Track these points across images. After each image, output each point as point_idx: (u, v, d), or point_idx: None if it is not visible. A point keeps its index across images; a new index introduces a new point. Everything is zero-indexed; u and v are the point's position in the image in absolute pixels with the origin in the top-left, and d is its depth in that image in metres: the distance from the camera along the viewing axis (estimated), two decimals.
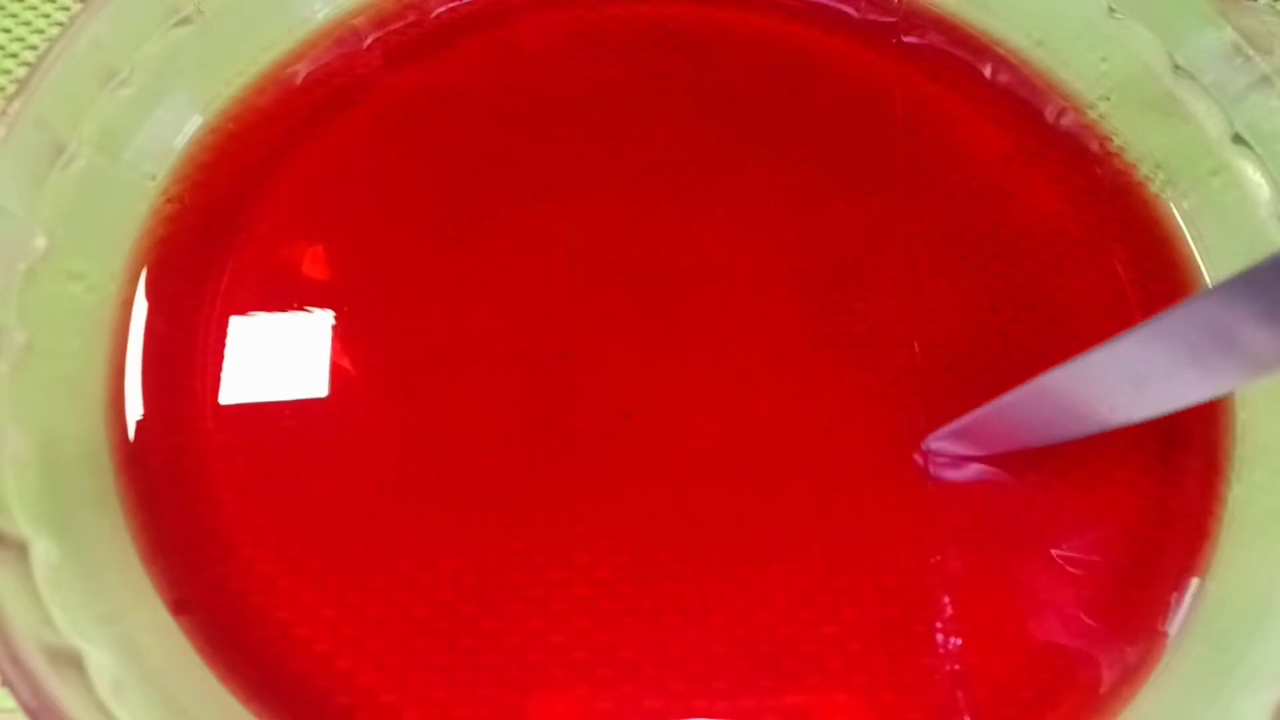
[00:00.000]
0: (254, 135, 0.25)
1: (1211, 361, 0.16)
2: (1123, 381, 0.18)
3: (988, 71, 0.27)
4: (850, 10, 0.28)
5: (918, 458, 0.22)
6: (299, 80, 0.26)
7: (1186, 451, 0.22)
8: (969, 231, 0.25)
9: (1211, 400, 0.19)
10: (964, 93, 0.27)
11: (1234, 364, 0.16)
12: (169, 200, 0.24)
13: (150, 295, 0.23)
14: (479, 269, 0.24)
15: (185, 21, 0.24)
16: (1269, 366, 0.16)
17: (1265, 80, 0.23)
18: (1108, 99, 0.26)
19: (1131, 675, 0.20)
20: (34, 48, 0.29)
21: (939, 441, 0.22)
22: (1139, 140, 0.25)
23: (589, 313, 0.23)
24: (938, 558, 0.21)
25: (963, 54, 0.27)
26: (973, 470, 0.22)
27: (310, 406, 0.22)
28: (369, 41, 0.27)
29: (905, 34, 0.27)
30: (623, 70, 0.26)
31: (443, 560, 0.21)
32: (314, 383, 0.22)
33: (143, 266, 0.23)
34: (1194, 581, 0.21)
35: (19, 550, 0.18)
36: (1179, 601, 0.21)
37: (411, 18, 0.27)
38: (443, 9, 0.27)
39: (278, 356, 0.23)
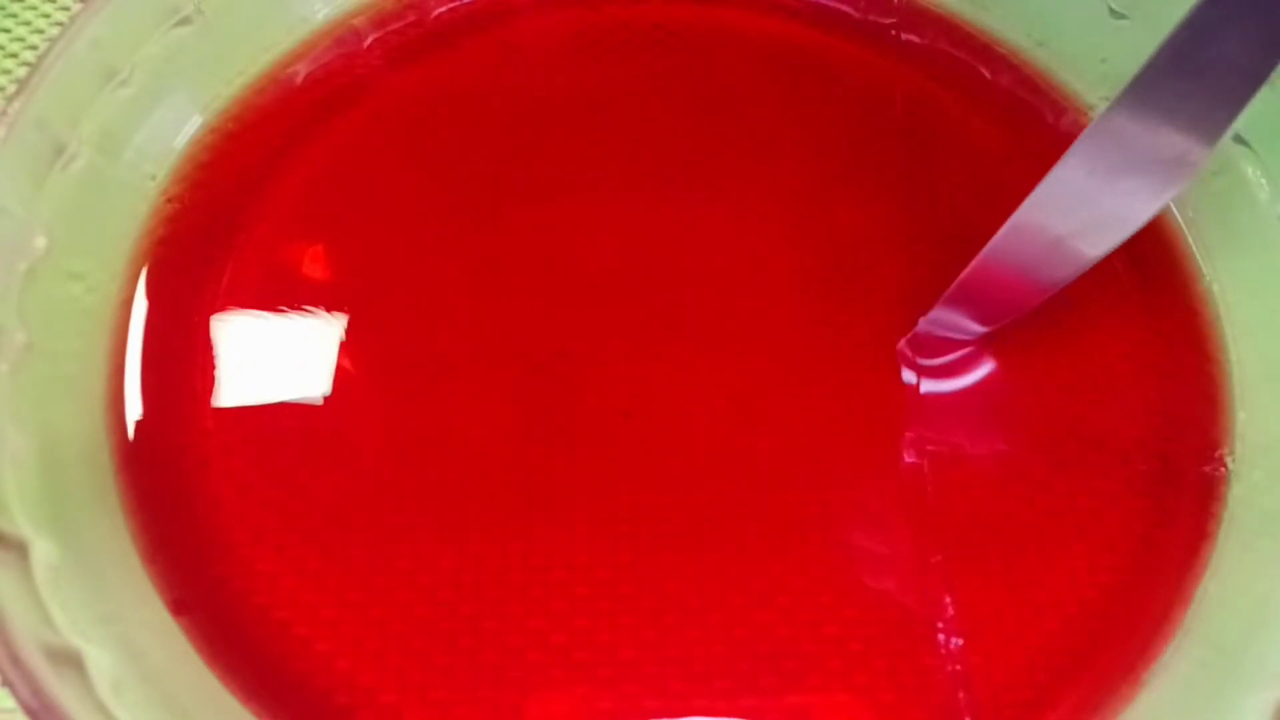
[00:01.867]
0: (254, 135, 0.25)
1: (1140, 170, 0.19)
2: (1074, 206, 0.20)
3: (988, 71, 0.27)
4: (850, 10, 0.28)
5: (904, 349, 0.22)
6: (299, 80, 0.26)
7: (1186, 451, 0.22)
8: (969, 232, 0.24)
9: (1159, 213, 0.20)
10: (964, 93, 0.27)
11: (1157, 171, 0.19)
12: (169, 200, 0.24)
13: (150, 295, 0.23)
14: (479, 269, 0.24)
15: (185, 21, 0.24)
16: (1184, 165, 0.18)
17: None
18: (1108, 99, 0.26)
19: (1131, 675, 0.20)
20: (34, 48, 0.29)
21: (935, 316, 0.22)
22: None
23: (589, 313, 0.23)
24: (938, 558, 0.21)
25: (963, 54, 0.27)
26: (959, 381, 0.22)
27: (310, 406, 0.22)
28: (369, 41, 0.27)
29: (905, 34, 0.27)
30: (623, 70, 0.26)
31: (443, 560, 0.21)
32: (314, 382, 0.22)
33: (143, 266, 0.23)
34: (1194, 581, 0.21)
35: (19, 550, 0.18)
36: (1179, 601, 0.21)
37: (411, 18, 0.27)
38: (443, 9, 0.27)
39: (278, 356, 0.23)
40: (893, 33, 0.27)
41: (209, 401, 0.22)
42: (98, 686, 0.17)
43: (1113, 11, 0.25)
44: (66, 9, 0.29)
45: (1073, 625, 0.21)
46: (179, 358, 0.22)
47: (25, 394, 0.20)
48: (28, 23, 0.29)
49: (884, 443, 0.22)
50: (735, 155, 0.25)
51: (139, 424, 0.22)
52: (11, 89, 0.25)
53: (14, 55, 0.29)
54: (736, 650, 0.20)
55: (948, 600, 0.21)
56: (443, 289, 0.23)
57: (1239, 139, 0.24)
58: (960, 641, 0.20)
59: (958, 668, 0.20)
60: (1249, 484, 0.22)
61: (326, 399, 0.22)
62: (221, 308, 0.23)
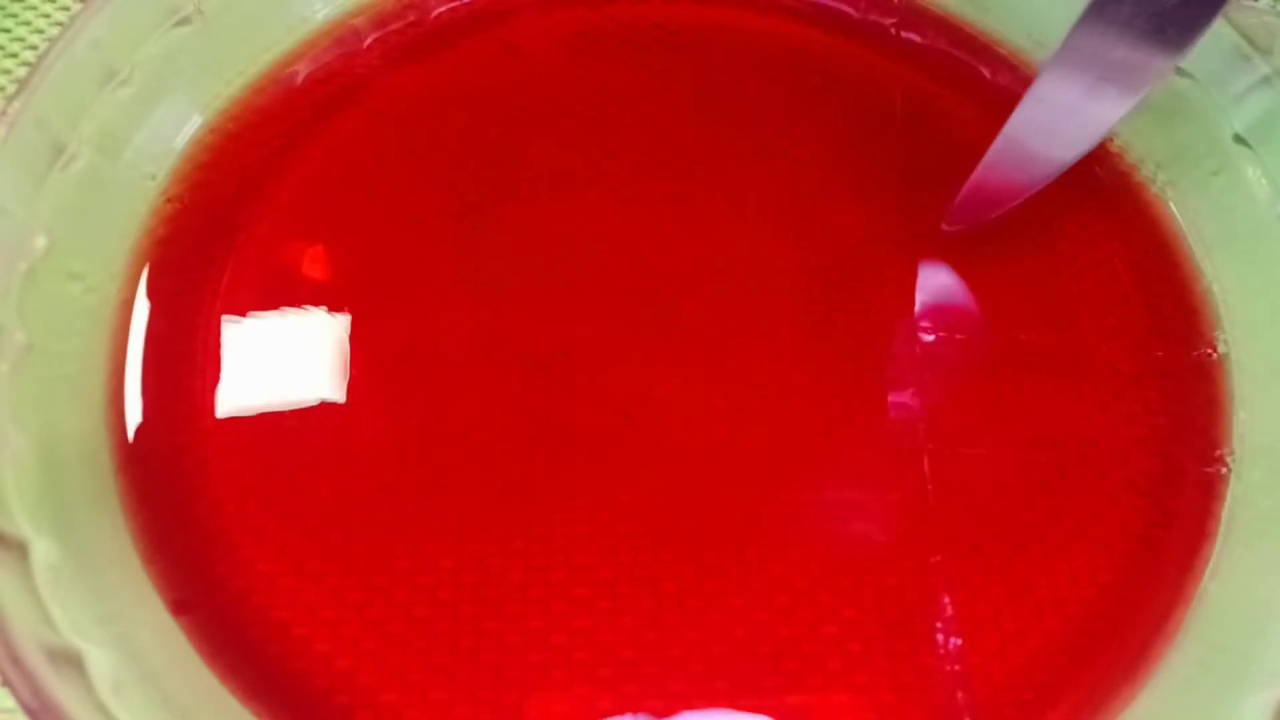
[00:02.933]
0: (254, 135, 0.25)
1: (1112, 82, 0.22)
2: (1057, 117, 0.23)
3: (988, 71, 0.27)
4: (850, 10, 0.28)
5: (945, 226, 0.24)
6: (299, 80, 0.26)
7: (1186, 451, 0.22)
8: (969, 231, 0.25)
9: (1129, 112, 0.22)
10: (964, 93, 0.27)
11: (1125, 79, 0.21)
12: (169, 200, 0.24)
13: (150, 295, 0.23)
14: (479, 269, 0.24)
15: (185, 21, 0.24)
16: (1145, 73, 0.21)
17: (1265, 80, 0.23)
18: None
19: (1131, 675, 0.20)
20: (34, 48, 0.29)
21: (956, 214, 0.24)
22: (1140, 140, 0.25)
23: (589, 313, 0.23)
24: (938, 558, 0.21)
25: (963, 54, 0.27)
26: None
27: (310, 407, 0.22)
28: (369, 41, 0.27)
29: (905, 33, 0.27)
30: (623, 70, 0.26)
31: (443, 560, 0.21)
32: (314, 383, 0.22)
33: (143, 266, 0.23)
34: (1194, 581, 0.21)
35: (19, 550, 0.18)
36: (1179, 602, 0.21)
37: (411, 18, 0.27)
38: (443, 9, 0.27)
39: (278, 356, 0.23)
40: (893, 32, 0.27)
41: (209, 402, 0.22)
42: (98, 686, 0.17)
43: None
44: (66, 9, 0.29)
45: (1073, 625, 0.21)
46: (179, 358, 0.22)
47: (25, 394, 0.20)
48: (28, 23, 0.29)
49: (884, 442, 0.22)
50: (735, 155, 0.25)
51: (139, 424, 0.22)
52: (11, 89, 0.25)
53: (14, 55, 0.29)
54: (737, 650, 0.20)
55: (947, 600, 0.21)
56: (443, 289, 0.23)
57: (1239, 139, 0.24)
58: (960, 641, 0.20)
59: (957, 668, 0.20)
60: (1249, 484, 0.22)
61: (326, 399, 0.22)
62: (221, 308, 0.23)
